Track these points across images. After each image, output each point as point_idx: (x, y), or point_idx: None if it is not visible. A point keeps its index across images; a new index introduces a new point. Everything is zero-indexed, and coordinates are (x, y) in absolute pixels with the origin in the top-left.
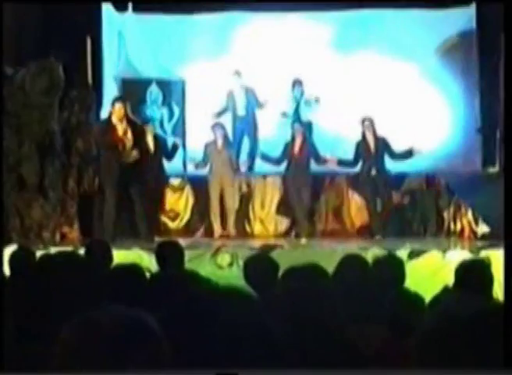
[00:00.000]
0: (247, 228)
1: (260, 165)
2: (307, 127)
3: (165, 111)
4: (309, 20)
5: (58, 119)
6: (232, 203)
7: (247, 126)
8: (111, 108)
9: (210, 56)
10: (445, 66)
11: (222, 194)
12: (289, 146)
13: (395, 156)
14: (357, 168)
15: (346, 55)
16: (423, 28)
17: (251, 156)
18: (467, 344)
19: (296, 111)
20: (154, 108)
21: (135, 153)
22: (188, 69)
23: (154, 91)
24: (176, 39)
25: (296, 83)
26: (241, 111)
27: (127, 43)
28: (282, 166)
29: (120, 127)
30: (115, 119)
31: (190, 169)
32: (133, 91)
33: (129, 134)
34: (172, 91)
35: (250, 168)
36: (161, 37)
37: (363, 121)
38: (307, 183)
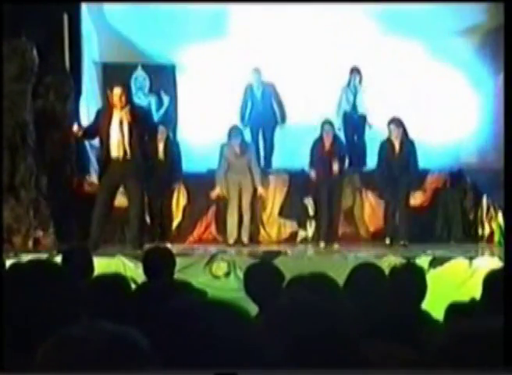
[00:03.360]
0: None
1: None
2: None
3: (152, 99)
4: (318, 8)
5: (31, 109)
6: (249, 209)
7: (265, 123)
8: (109, 94)
9: (205, 38)
10: (473, 49)
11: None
12: (317, 146)
13: (416, 165)
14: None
15: (360, 46)
16: (450, 10)
17: (268, 154)
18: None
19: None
20: (141, 96)
21: (130, 147)
22: (180, 53)
23: (139, 77)
24: (165, 18)
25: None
26: (258, 107)
27: (109, 22)
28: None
29: (117, 116)
30: (110, 108)
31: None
32: (116, 76)
33: (127, 125)
34: (160, 77)
35: (268, 165)
36: (149, 14)
37: (390, 122)
38: (337, 187)
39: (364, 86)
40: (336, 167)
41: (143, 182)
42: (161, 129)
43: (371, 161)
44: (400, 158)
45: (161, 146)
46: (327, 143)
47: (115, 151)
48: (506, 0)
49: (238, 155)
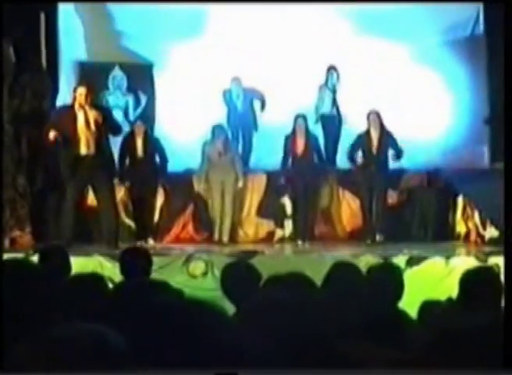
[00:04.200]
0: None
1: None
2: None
3: (130, 98)
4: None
5: (8, 107)
6: (231, 208)
7: (244, 123)
8: (73, 93)
9: (183, 38)
10: (449, 49)
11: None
12: (289, 141)
13: (399, 156)
14: (350, 164)
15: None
16: (428, 11)
17: (245, 157)
18: (467, 345)
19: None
20: (118, 95)
21: (96, 145)
22: (158, 52)
23: (117, 76)
24: (143, 17)
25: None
26: (238, 107)
27: (86, 21)
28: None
29: (82, 116)
30: (77, 106)
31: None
32: (94, 75)
33: (92, 122)
34: (138, 77)
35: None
36: (126, 13)
37: (368, 115)
38: (315, 183)
39: (341, 85)
40: (310, 163)
41: (111, 180)
42: (139, 126)
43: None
44: (380, 149)
45: (139, 144)
46: (300, 138)
47: (83, 149)
48: (506, 0)
49: (221, 153)
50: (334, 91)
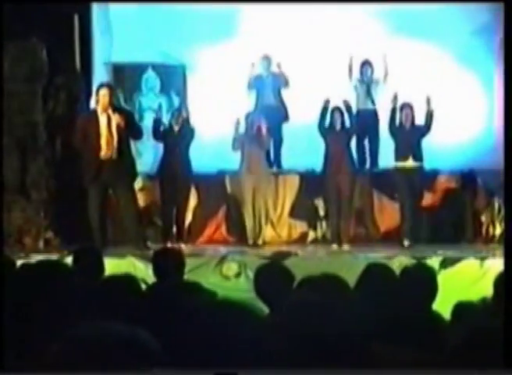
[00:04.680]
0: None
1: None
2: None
3: (163, 100)
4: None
5: (42, 110)
6: (263, 209)
7: (274, 115)
8: (96, 96)
9: (215, 39)
10: (483, 49)
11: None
12: (330, 136)
13: (426, 130)
14: (383, 164)
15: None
16: (461, 11)
17: (277, 152)
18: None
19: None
20: (151, 97)
21: (119, 147)
22: (190, 53)
23: (150, 78)
24: (175, 19)
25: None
26: (267, 99)
27: (119, 22)
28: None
29: (104, 118)
30: (100, 109)
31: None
32: (127, 77)
33: (114, 126)
34: (171, 78)
35: (278, 165)
36: (159, 14)
37: (402, 107)
38: (349, 182)
39: (376, 79)
40: (348, 164)
41: (132, 183)
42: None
43: (382, 161)
44: (412, 147)
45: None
46: (337, 133)
47: (104, 152)
48: (506, 0)
49: (251, 143)
50: (369, 86)
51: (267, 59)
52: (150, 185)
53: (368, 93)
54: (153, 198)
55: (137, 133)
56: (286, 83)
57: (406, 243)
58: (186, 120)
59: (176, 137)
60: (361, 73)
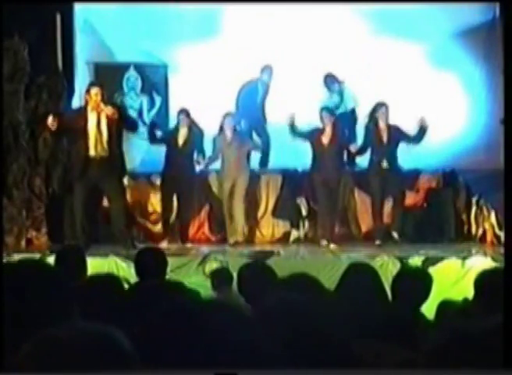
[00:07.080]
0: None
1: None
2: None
3: (144, 99)
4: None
5: (24, 109)
6: (241, 207)
7: (255, 119)
8: (86, 95)
9: (198, 38)
10: (465, 49)
11: (231, 193)
12: (315, 136)
13: (412, 140)
14: (365, 163)
15: (353, 40)
16: (441, 11)
17: (261, 152)
18: (481, 345)
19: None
20: (133, 96)
21: (109, 145)
22: (172, 53)
23: (131, 77)
24: (157, 19)
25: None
26: (250, 99)
27: (102, 22)
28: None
29: (94, 116)
30: (89, 107)
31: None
32: (108, 76)
33: (105, 124)
34: (152, 77)
35: (261, 165)
36: (141, 15)
37: (376, 107)
38: (339, 181)
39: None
40: (337, 164)
41: (121, 181)
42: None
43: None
44: (389, 147)
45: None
46: (327, 132)
47: (93, 150)
48: (503, 0)
49: (229, 142)
50: (342, 92)
51: (268, 69)
52: (133, 184)
53: (345, 96)
54: (137, 197)
55: (133, 126)
56: (268, 87)
57: (387, 242)
58: (193, 122)
59: (179, 140)
60: (328, 87)
